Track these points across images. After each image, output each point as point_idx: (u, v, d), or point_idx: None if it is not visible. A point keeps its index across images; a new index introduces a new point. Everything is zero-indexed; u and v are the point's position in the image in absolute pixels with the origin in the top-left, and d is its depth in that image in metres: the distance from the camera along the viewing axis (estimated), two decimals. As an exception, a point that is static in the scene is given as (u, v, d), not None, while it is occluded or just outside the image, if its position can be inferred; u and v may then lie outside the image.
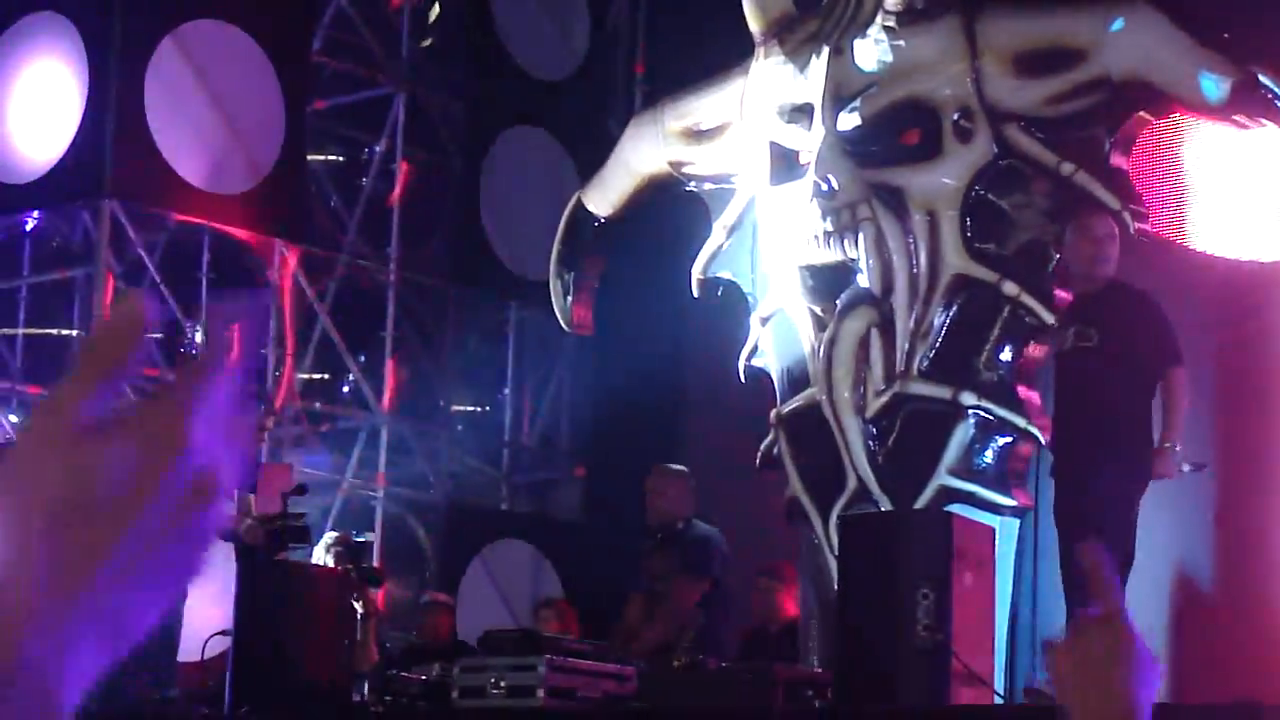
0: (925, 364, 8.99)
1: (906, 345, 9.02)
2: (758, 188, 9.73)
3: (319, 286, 13.04)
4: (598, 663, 8.48)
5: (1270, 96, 8.37)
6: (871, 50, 9.24)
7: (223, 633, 9.21)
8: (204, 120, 12.16)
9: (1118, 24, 8.67)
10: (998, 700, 7.68)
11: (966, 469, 8.88)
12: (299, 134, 12.68)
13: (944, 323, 8.98)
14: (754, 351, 9.73)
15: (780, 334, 9.60)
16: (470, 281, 13.62)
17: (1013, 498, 8.88)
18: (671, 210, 10.74)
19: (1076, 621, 1.97)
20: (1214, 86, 8.42)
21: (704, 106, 10.12)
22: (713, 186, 10.19)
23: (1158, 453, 8.12)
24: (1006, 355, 8.93)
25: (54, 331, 13.01)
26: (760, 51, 9.74)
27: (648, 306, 12.11)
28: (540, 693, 8.16)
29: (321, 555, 10.33)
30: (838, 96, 9.27)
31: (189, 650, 9.73)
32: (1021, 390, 8.92)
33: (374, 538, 12.50)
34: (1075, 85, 8.76)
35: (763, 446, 9.55)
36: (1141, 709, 1.90)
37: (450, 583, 12.57)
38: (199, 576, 1.10)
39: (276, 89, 12.51)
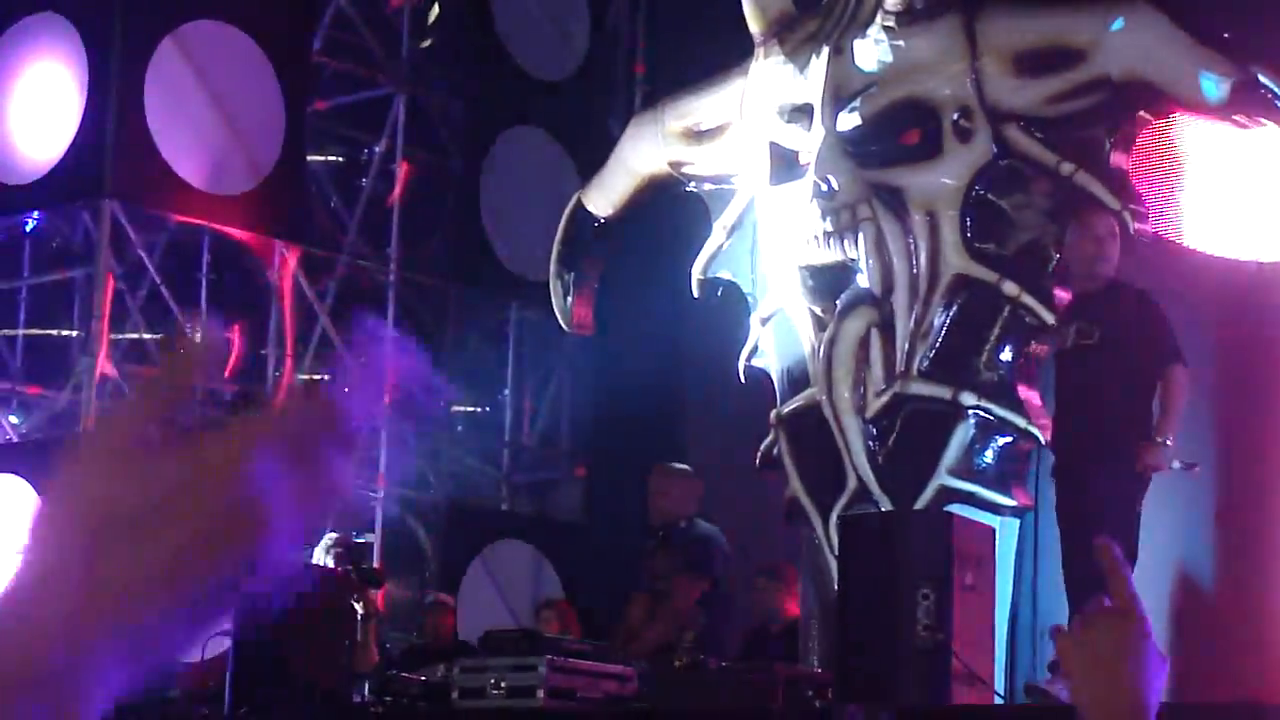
0: (925, 364, 8.99)
1: (906, 345, 9.01)
2: (757, 188, 9.73)
3: (319, 287, 13.03)
4: (598, 663, 8.47)
5: (1270, 96, 8.37)
6: (871, 50, 9.23)
7: (223, 633, 9.21)
8: (204, 121, 12.15)
9: (1118, 24, 8.66)
10: (998, 700, 7.68)
11: (967, 469, 8.88)
12: (299, 134, 12.67)
13: (944, 323, 8.97)
14: (754, 352, 9.73)
15: (780, 334, 9.59)
16: (470, 281, 13.61)
17: (1013, 498, 8.88)
18: (671, 210, 10.74)
19: (1088, 613, 1.97)
20: (1214, 86, 8.41)
21: (704, 107, 10.11)
22: (713, 186, 10.18)
23: (1148, 444, 8.11)
24: (1007, 355, 8.92)
25: (54, 332, 13.01)
26: (760, 51, 9.73)
27: (648, 306, 12.10)
28: (541, 693, 8.15)
29: (321, 556, 10.32)
30: (838, 96, 9.27)
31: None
32: (1022, 390, 8.91)
33: (374, 538, 12.50)
34: (1075, 85, 8.76)
35: (763, 446, 9.55)
36: (1149, 703, 1.90)
37: (450, 583, 12.55)
38: (232, 607, 1.08)
39: (276, 89, 12.50)
